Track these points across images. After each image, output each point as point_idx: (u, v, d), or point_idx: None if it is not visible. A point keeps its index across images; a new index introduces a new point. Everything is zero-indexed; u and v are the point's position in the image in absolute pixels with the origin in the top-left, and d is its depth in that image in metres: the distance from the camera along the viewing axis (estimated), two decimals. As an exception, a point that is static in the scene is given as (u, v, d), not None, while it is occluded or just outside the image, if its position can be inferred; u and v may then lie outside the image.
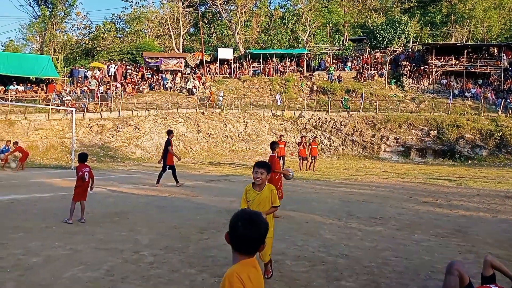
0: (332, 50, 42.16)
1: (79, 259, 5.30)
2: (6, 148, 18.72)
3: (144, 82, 34.54)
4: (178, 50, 44.00)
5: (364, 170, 19.91)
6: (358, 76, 37.28)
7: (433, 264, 5.41)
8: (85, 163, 7.90)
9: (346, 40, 46.81)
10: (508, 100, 30.27)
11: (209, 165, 21.54)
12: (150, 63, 37.44)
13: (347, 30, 51.96)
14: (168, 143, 13.32)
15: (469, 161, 25.56)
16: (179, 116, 29.39)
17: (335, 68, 38.72)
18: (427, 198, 11.45)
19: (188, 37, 52.55)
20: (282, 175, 8.44)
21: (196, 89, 34.30)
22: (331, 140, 29.43)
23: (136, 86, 33.56)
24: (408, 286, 4.62)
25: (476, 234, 7.24)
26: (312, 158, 19.87)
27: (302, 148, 19.61)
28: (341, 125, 30.24)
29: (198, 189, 12.57)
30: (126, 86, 32.90)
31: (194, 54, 40.33)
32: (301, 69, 39.67)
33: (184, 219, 8.00)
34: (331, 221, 8.13)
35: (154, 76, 36.11)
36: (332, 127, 30.16)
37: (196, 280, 4.66)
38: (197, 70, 38.57)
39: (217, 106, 32.10)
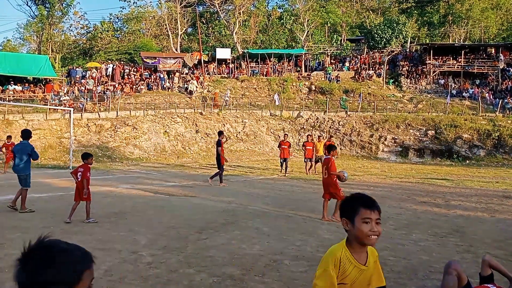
0: (330, 50, 42.20)
1: (78, 259, 5.28)
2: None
3: (142, 82, 34.50)
4: (176, 50, 43.98)
5: (362, 170, 19.93)
6: (356, 76, 37.33)
7: (431, 264, 5.43)
8: (85, 162, 7.87)
9: (344, 40, 46.89)
10: (506, 100, 30.36)
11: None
12: (148, 63, 37.40)
13: (345, 30, 52.03)
14: (219, 143, 13.64)
15: (467, 161, 25.62)
16: (177, 116, 29.37)
17: (333, 68, 38.77)
18: (425, 198, 11.47)
19: (186, 37, 52.52)
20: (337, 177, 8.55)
21: (195, 88, 34.28)
22: (330, 140, 29.43)
23: (134, 86, 33.52)
24: (406, 286, 4.63)
25: (474, 234, 7.26)
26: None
27: (309, 148, 17.65)
28: (339, 125, 30.26)
29: (196, 189, 12.56)
30: (124, 86, 32.86)
31: (192, 54, 40.31)
32: (299, 69, 39.71)
33: (183, 219, 7.99)
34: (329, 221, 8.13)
35: (152, 76, 36.07)
36: (330, 127, 30.19)
37: (194, 280, 4.66)
38: (195, 70, 38.55)
39: (223, 106, 32.11)
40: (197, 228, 7.21)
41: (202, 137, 28.66)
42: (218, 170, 13.55)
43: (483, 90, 33.55)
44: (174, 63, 37.47)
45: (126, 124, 26.59)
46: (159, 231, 6.97)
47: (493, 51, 38.06)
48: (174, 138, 27.72)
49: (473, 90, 33.74)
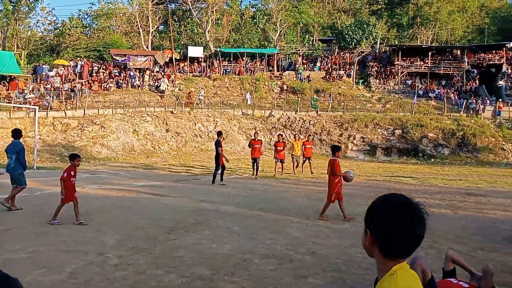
0: (302, 50, 42.58)
1: (41, 262, 5.13)
2: None
3: (111, 80, 33.77)
4: (147, 47, 43.32)
5: (333, 168, 20.20)
6: (327, 76, 37.83)
7: (397, 260, 5.56)
8: (71, 163, 7.77)
9: (315, 41, 47.40)
10: (470, 101, 31.49)
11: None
12: (118, 60, 36.63)
13: (316, 31, 52.61)
14: (218, 144, 13.70)
15: (432, 160, 26.44)
16: (147, 114, 28.93)
17: (304, 68, 39.14)
18: (392, 195, 11.73)
19: (158, 35, 51.82)
20: (342, 178, 8.57)
21: (166, 87, 33.84)
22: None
23: (103, 84, 32.77)
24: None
25: (437, 230, 7.49)
26: (305, 159, 18.05)
27: (280, 148, 16.49)
28: (310, 124, 30.59)
29: (166, 189, 12.41)
30: (92, 84, 32.07)
31: (163, 52, 39.80)
32: (271, 68, 39.88)
33: (151, 219, 7.88)
34: (299, 219, 8.22)
35: (122, 74, 35.36)
36: (301, 127, 30.48)
37: (163, 281, 4.61)
38: (166, 68, 38.07)
39: (194, 105, 31.86)
40: (166, 228, 7.13)
41: (172, 136, 28.34)
42: (216, 170, 13.76)
43: (449, 91, 34.67)
44: (144, 61, 36.84)
45: (94, 123, 25.97)
46: (126, 232, 6.85)
47: (458, 53, 39.39)
48: (143, 137, 27.28)
49: (439, 90, 34.82)
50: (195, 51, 39.60)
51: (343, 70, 38.76)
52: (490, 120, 29.08)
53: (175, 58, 38.42)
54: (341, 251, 5.96)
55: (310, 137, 20.79)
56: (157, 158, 24.55)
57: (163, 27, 54.10)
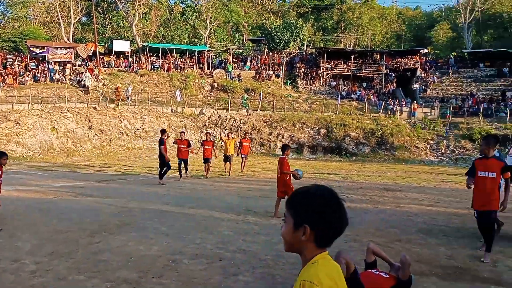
0: (232, 49, 42.72)
1: None
2: None
3: (28, 73, 31.29)
4: (68, 39, 40.76)
5: (262, 166, 20.56)
6: (257, 76, 38.36)
7: (323, 254, 5.78)
8: None
9: (245, 40, 47.86)
10: (388, 102, 33.74)
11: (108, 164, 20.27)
12: (35, 52, 34.02)
13: (246, 30, 53.13)
14: (162, 142, 13.45)
15: (354, 157, 27.97)
16: (68, 111, 27.22)
17: (235, 67, 39.32)
18: (318, 192, 12.20)
19: (80, 27, 48.96)
20: (291, 175, 8.60)
21: (89, 81, 32.08)
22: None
23: (18, 77, 30.24)
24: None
25: (359, 224, 7.92)
26: (243, 157, 17.81)
27: (208, 147, 15.78)
28: (240, 123, 30.82)
29: (88, 190, 11.76)
30: (6, 77, 29.45)
31: (86, 45, 37.72)
32: (201, 66, 39.53)
33: (72, 222, 7.41)
34: (230, 217, 8.23)
35: (40, 67, 32.90)
36: (232, 125, 30.59)
37: (86, 286, 4.36)
38: (89, 62, 36.11)
39: (119, 102, 30.51)
40: (88, 231, 6.75)
41: (96, 134, 26.96)
42: (161, 168, 13.48)
43: (369, 93, 36.86)
44: (65, 54, 34.62)
45: (8, 119, 23.89)
46: (45, 236, 6.37)
47: (378, 57, 42.00)
48: (63, 134, 25.64)
49: (360, 92, 36.87)
50: (121, 45, 38.03)
51: (272, 70, 39.55)
52: (406, 121, 31.40)
53: (99, 52, 36.58)
54: (270, 247, 6.07)
55: (248, 134, 20.69)
56: (79, 157, 23.20)
57: (86, 18, 51.24)
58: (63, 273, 4.73)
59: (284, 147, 9.05)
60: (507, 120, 29.43)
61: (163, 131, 14.26)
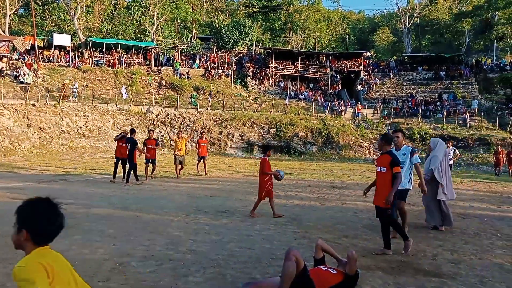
0: (180, 46, 42.06)
1: None
2: None
3: (-44, 66, 28.94)
4: (4, 32, 38.06)
5: (212, 165, 20.40)
6: (206, 74, 38.06)
7: (273, 252, 5.86)
8: None
9: (194, 38, 47.30)
10: (334, 103, 34.79)
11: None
12: (-35, 44, 31.54)
13: (195, 28, 52.53)
14: (135, 142, 13.63)
15: (302, 156, 28.58)
16: (4, 107, 25.50)
17: (183, 64, 38.73)
18: (268, 190, 12.33)
19: (17, 18, 45.98)
20: (273, 176, 8.48)
21: (28, 77, 30.20)
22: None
23: None
24: (251, 274, 4.88)
25: (308, 221, 8.10)
26: (199, 158, 16.51)
27: (151, 147, 14.40)
28: (190, 121, 30.43)
29: (28, 191, 11.06)
30: None
31: (24, 38, 35.51)
32: (148, 62, 38.55)
33: (10, 226, 6.93)
34: (179, 217, 8.10)
35: (-30, 60, 30.54)
36: (181, 124, 30.13)
37: None
38: (27, 56, 34.03)
39: (71, 98, 29.10)
40: None
41: (35, 132, 25.47)
42: (130, 169, 13.23)
43: (316, 93, 37.80)
44: (1, 47, 32.40)
45: None
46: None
47: (324, 59, 43.16)
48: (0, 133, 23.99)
49: (307, 93, 37.72)
50: (61, 39, 36.20)
51: (221, 69, 39.42)
52: (351, 121, 32.57)
53: (38, 46, 34.59)
54: (220, 247, 6.04)
55: (205, 134, 18.86)
56: (17, 157, 21.79)
57: (24, 10, 48.21)
58: (1, 280, 4.42)
59: (266, 147, 9.01)
60: (444, 120, 31.42)
61: (133, 131, 14.11)
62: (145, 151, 14.20)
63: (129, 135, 14.01)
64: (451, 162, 15.12)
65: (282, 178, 8.76)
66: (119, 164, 13.73)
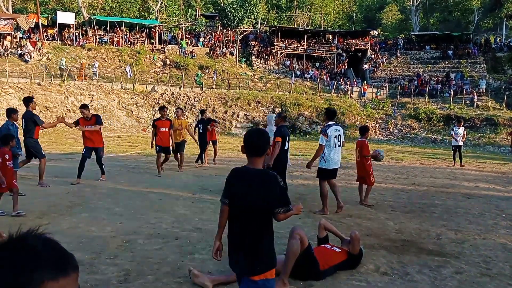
0: (184, 24, 41.59)
1: None
2: None
3: (-40, 44, 28.88)
4: (7, 9, 37.78)
5: (218, 146, 20.43)
6: (211, 53, 37.74)
7: (278, 230, 5.88)
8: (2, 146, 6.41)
9: (198, 15, 46.69)
10: (339, 82, 34.49)
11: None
12: (-32, 21, 31.37)
13: (199, 5, 51.80)
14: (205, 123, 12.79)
15: (307, 136, 28.53)
16: (9, 86, 25.54)
17: (188, 43, 38.38)
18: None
19: (20, -4, 45.52)
20: (372, 158, 8.10)
21: (33, 55, 30.13)
22: (185, 116, 29.36)
23: (-51, 48, 27.86)
24: (256, 253, 4.94)
25: (313, 200, 8.14)
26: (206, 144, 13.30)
27: (162, 130, 10.64)
28: (194, 101, 30.37)
29: (34, 169, 11.18)
30: None
31: (27, 16, 35.24)
32: (153, 41, 38.24)
33: (20, 203, 7.04)
34: (185, 196, 8.17)
35: (-26, 38, 30.45)
36: (186, 103, 30.07)
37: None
38: (31, 35, 33.85)
39: (90, 78, 29.16)
40: (36, 212, 6.46)
41: (40, 111, 25.54)
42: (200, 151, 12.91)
43: (322, 72, 37.46)
44: (4, 25, 32.20)
45: None
46: (-13, 219, 6.02)
47: (330, 37, 42.59)
48: (5, 111, 24.10)
49: (313, 72, 37.38)
50: (65, 17, 35.87)
51: (226, 47, 39.03)
52: (357, 100, 32.35)
53: (42, 24, 34.34)
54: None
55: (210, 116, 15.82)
56: (22, 136, 21.92)
57: (27, -13, 47.62)
58: None
59: (364, 129, 8.34)
60: (451, 100, 31.12)
61: (202, 112, 13.60)
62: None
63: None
64: (461, 143, 15.08)
65: (383, 158, 8.26)
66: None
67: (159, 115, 11.36)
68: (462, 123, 16.43)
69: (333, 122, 7.31)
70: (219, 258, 3.08)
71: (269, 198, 2.72)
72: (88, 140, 9.47)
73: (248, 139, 2.81)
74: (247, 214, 2.77)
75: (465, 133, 16.44)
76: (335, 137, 7.12)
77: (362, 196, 8.01)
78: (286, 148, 7.32)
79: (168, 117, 11.33)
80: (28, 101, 8.92)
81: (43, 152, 8.77)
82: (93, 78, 29.97)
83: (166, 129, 10.53)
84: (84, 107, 9.67)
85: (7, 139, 6.53)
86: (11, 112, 7.91)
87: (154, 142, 10.67)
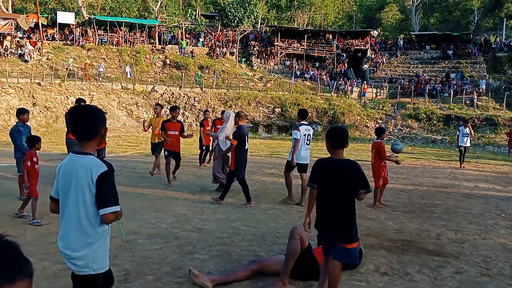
0: (184, 24, 41.58)
1: None
2: None
3: (-40, 44, 28.88)
4: (7, 9, 37.77)
5: (216, 145, 20.46)
6: (211, 52, 37.74)
7: (278, 230, 5.91)
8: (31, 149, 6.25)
9: (198, 15, 46.67)
10: (339, 82, 34.49)
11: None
12: (-32, 21, 31.35)
13: (199, 5, 51.78)
14: (202, 124, 12.69)
15: (308, 136, 28.51)
16: (9, 86, 25.53)
17: (188, 43, 38.38)
18: (272, 170, 12.39)
19: (19, -5, 45.49)
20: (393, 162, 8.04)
21: (32, 55, 30.11)
22: (185, 116, 29.38)
23: (-51, 48, 27.85)
24: (256, 252, 4.94)
25: (313, 200, 8.11)
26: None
27: (173, 133, 9.62)
28: (194, 101, 30.36)
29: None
30: None
31: (27, 16, 35.24)
32: (152, 41, 38.23)
33: (18, 203, 7.04)
34: (185, 196, 8.17)
35: (-26, 38, 30.44)
36: (186, 103, 30.07)
37: (36, 269, 4.16)
38: (31, 35, 33.85)
39: (97, 78, 29.18)
40: (37, 213, 6.45)
41: (41, 111, 25.57)
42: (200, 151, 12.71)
43: (322, 72, 37.46)
44: (4, 25, 32.17)
45: None
46: (-13, 219, 6.02)
47: (330, 37, 42.58)
48: (5, 112, 24.10)
49: (313, 72, 37.39)
50: (65, 17, 35.87)
51: (226, 47, 39.03)
52: (357, 100, 32.35)
53: (41, 24, 34.33)
54: (226, 225, 6.10)
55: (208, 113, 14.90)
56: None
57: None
58: (9, 257, 4.51)
59: (381, 130, 8.20)
60: (451, 100, 31.13)
61: (205, 112, 13.57)
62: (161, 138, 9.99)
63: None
64: (468, 143, 15.10)
65: (402, 149, 8.15)
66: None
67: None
68: (470, 123, 16.42)
69: (305, 122, 7.96)
70: (309, 230, 3.79)
71: (354, 182, 3.43)
72: None
73: (333, 135, 3.52)
74: (336, 195, 3.46)
75: (473, 131, 16.50)
76: (305, 135, 7.75)
77: (377, 198, 7.85)
78: (246, 147, 7.53)
79: (179, 119, 10.74)
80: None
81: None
82: (99, 78, 30.06)
83: (177, 133, 9.57)
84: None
85: (33, 141, 6.27)
86: (19, 112, 7.57)
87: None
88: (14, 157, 7.52)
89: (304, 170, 7.96)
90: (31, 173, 6.00)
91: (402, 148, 8.09)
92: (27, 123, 7.59)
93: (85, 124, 2.41)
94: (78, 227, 2.42)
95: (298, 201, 7.82)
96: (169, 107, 12.73)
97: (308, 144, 7.86)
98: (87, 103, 28.03)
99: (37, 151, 6.38)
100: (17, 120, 7.53)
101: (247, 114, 29.90)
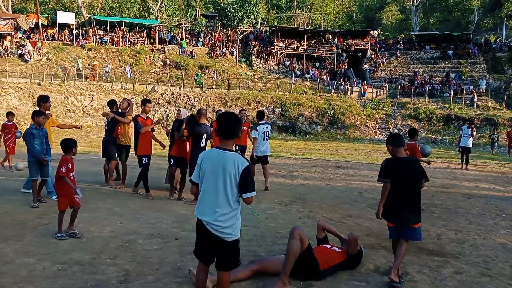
0: (184, 24, 41.58)
1: None
2: None
3: (-40, 44, 28.88)
4: (7, 9, 37.79)
5: (216, 145, 20.46)
6: (211, 52, 37.74)
7: (278, 230, 5.91)
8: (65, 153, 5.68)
9: (198, 15, 46.67)
10: (339, 82, 34.49)
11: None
12: (-32, 21, 31.36)
13: (199, 5, 51.79)
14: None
15: (307, 136, 28.55)
16: (9, 86, 25.53)
17: (188, 43, 38.38)
18: (272, 169, 12.37)
19: (19, -4, 45.52)
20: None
21: (32, 55, 30.11)
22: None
23: (-51, 48, 27.86)
24: (256, 252, 4.94)
25: (313, 200, 8.14)
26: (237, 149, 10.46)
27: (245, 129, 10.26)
28: (194, 101, 30.36)
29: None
30: None
31: (27, 16, 35.25)
32: (152, 41, 38.24)
33: (20, 203, 7.05)
34: (185, 196, 8.15)
35: (-26, 38, 30.45)
36: (186, 103, 30.07)
37: (35, 269, 4.18)
38: (31, 35, 33.85)
39: (104, 79, 29.19)
40: (36, 212, 6.46)
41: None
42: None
43: (322, 72, 37.45)
44: (4, 25, 32.19)
45: None
46: (-12, 219, 6.01)
47: (330, 37, 42.57)
48: (5, 111, 24.08)
49: (313, 72, 37.38)
50: (65, 17, 35.88)
51: (226, 47, 39.03)
52: (357, 100, 32.34)
53: (42, 24, 34.34)
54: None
55: (245, 112, 12.63)
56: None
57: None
58: (10, 256, 4.51)
59: (414, 131, 7.88)
60: (451, 100, 31.12)
61: (199, 111, 9.87)
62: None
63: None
64: (470, 144, 15.09)
65: (431, 152, 8.17)
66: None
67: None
68: (473, 125, 16.39)
69: (264, 121, 9.21)
70: (381, 218, 4.46)
71: (419, 174, 4.36)
72: None
73: (392, 139, 4.51)
74: (407, 186, 4.31)
75: (475, 133, 16.49)
76: (264, 132, 8.95)
77: None
78: (203, 145, 7.63)
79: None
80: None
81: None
82: (107, 79, 30.13)
83: (246, 128, 10.26)
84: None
85: (69, 145, 5.63)
86: (35, 114, 7.10)
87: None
88: (27, 161, 7.25)
89: (265, 161, 9.13)
90: (63, 182, 5.43)
91: (431, 152, 8.13)
92: (43, 126, 7.20)
93: (230, 126, 3.15)
94: (227, 205, 3.09)
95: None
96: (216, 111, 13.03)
97: (267, 139, 9.09)
98: (87, 103, 28.00)
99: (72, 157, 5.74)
100: (32, 122, 7.15)
101: (247, 114, 29.90)
